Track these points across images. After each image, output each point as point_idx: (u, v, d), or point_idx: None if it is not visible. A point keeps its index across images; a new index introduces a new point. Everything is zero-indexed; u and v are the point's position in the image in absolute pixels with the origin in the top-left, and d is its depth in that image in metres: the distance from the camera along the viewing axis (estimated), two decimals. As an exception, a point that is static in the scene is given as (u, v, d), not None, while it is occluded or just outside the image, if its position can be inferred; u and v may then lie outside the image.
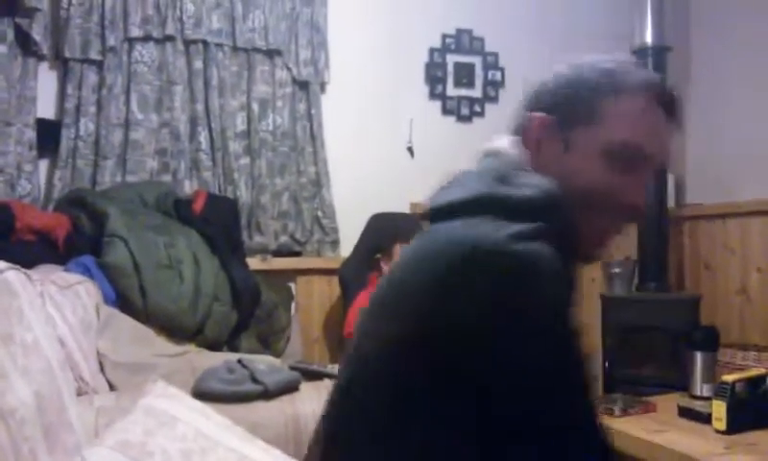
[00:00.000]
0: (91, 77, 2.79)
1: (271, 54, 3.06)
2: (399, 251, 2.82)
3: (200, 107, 2.93)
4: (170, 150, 2.91)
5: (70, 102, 2.76)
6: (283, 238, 3.08)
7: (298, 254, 3.10)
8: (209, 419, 1.36)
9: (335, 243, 3.14)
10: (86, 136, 2.77)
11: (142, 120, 2.86)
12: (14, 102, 2.64)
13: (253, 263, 2.84)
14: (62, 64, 2.78)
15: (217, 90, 2.96)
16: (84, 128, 2.76)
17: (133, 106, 2.84)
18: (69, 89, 2.76)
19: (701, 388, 2.39)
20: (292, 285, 3.04)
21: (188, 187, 2.90)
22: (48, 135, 2.74)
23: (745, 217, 3.27)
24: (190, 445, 1.26)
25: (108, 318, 2.05)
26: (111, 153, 2.80)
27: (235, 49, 3.01)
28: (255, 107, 3.04)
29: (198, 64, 2.93)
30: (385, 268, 2.88)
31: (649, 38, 3.31)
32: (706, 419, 2.09)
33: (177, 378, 1.86)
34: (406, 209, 3.31)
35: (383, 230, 2.99)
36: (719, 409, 2.02)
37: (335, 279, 3.06)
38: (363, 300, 2.77)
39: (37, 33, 2.66)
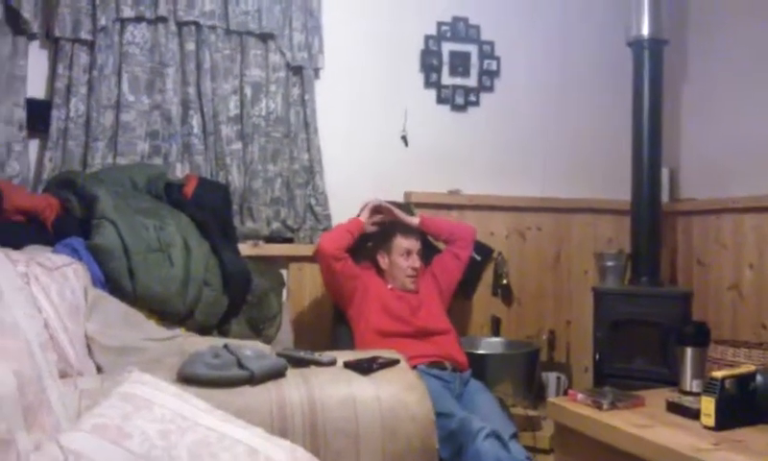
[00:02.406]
0: (82, 57, 2.75)
1: (264, 37, 3.03)
2: (401, 243, 2.81)
3: (192, 90, 2.90)
4: (161, 133, 2.88)
5: (61, 82, 2.73)
6: (275, 225, 3.06)
7: (290, 240, 3.08)
8: (187, 402, 1.35)
9: (327, 231, 3.12)
10: (77, 117, 2.74)
11: (133, 102, 2.83)
12: (4, 81, 2.60)
13: (245, 249, 2.82)
14: (53, 44, 2.75)
15: (209, 73, 2.93)
16: (75, 108, 2.73)
17: (125, 87, 2.81)
18: (60, 69, 2.73)
19: (690, 384, 2.37)
20: (284, 272, 3.02)
21: (179, 171, 2.87)
22: (38, 116, 2.71)
23: (738, 213, 3.27)
24: (168, 425, 1.25)
25: (97, 301, 2.02)
26: (102, 134, 2.77)
27: (228, 32, 2.98)
28: (248, 91, 3.02)
29: (190, 46, 2.90)
30: (382, 262, 2.85)
31: (646, 31, 3.29)
32: (694, 414, 2.08)
33: (166, 362, 1.85)
34: (400, 198, 3.29)
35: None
36: (708, 405, 2.01)
37: (327, 267, 3.04)
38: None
39: (27, 11, 2.62)
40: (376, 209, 2.93)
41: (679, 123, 3.68)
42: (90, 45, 2.76)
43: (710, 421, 2.00)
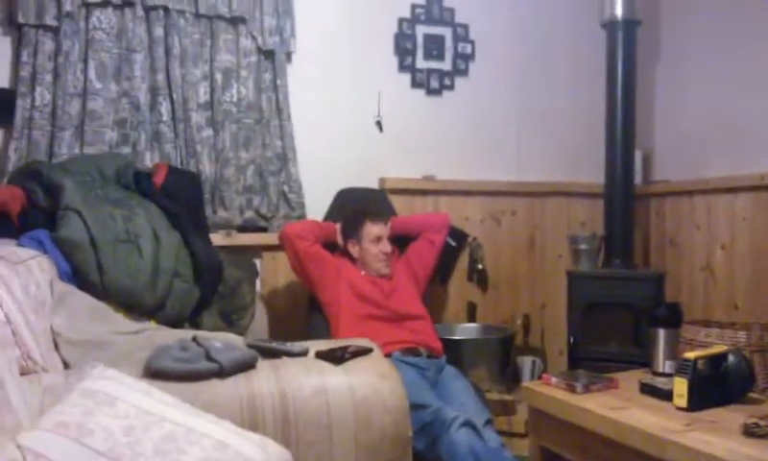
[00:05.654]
0: (47, 44, 2.69)
1: (234, 21, 2.98)
2: (370, 230, 2.79)
3: (161, 76, 2.85)
4: (130, 121, 2.82)
5: (25, 70, 2.66)
6: (248, 213, 3.03)
7: (263, 229, 3.05)
8: (152, 397, 1.32)
9: (302, 218, 3.09)
10: (42, 106, 2.68)
11: (100, 89, 2.77)
12: (-35, 69, 2.53)
13: (217, 239, 2.78)
14: (16, 30, 2.68)
15: (178, 59, 2.87)
16: (41, 97, 2.67)
17: (91, 74, 2.75)
18: (24, 57, 2.66)
19: (663, 365, 2.39)
20: (257, 261, 2.99)
21: (149, 160, 2.82)
22: (2, 105, 2.65)
23: (711, 194, 3.29)
24: (132, 421, 1.23)
25: (63, 294, 1.98)
26: (69, 123, 2.71)
27: (197, 16, 2.92)
28: (219, 77, 2.96)
29: (158, 32, 2.84)
30: (353, 250, 2.83)
31: (619, 12, 3.29)
32: (667, 396, 2.09)
33: (134, 356, 1.81)
34: (374, 184, 3.27)
35: (350, 208, 2.95)
36: (681, 386, 2.02)
37: (301, 255, 3.01)
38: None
39: (-12, -4, 2.55)
40: None
41: (652, 105, 3.68)
42: (55, 31, 2.69)
43: (683, 401, 2.01)
